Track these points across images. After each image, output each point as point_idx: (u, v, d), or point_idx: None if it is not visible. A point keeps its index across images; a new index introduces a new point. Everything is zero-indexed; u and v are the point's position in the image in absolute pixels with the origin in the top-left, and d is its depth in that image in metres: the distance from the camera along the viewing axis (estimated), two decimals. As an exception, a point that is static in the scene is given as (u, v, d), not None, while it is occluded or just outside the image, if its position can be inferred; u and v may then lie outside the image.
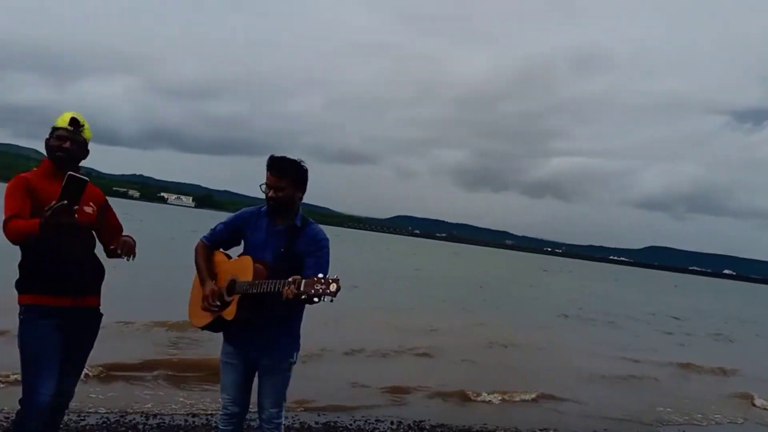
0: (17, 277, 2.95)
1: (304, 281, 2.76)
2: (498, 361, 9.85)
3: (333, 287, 2.72)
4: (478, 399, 7.12)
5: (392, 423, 5.89)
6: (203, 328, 3.24)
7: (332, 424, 5.63)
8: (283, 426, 3.27)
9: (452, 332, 12.04)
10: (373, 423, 5.83)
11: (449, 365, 9.20)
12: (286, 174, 3.05)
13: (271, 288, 2.89)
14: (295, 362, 3.25)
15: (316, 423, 5.58)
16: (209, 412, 5.31)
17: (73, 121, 2.99)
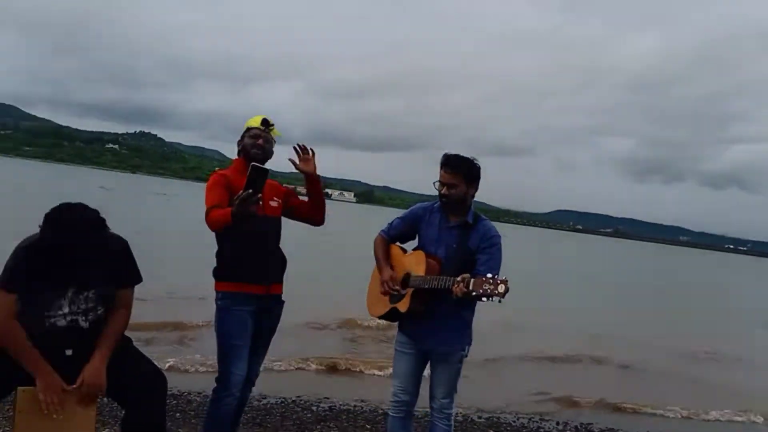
0: (214, 265, 3.21)
1: (473, 280, 2.78)
2: (690, 374, 8.88)
3: (501, 288, 2.73)
4: (657, 412, 6.49)
5: (558, 423, 5.67)
6: (380, 317, 3.39)
7: (495, 419, 5.55)
8: (453, 416, 3.31)
9: (634, 340, 11.01)
10: (537, 422, 5.66)
11: (633, 375, 8.50)
12: (459, 170, 3.09)
13: (441, 284, 2.95)
14: (466, 355, 3.27)
15: (479, 417, 5.53)
16: (378, 399, 5.42)
17: (265, 122, 3.26)
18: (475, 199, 3.21)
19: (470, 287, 2.76)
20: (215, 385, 3.21)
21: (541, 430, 5.47)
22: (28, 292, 2.58)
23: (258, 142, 3.21)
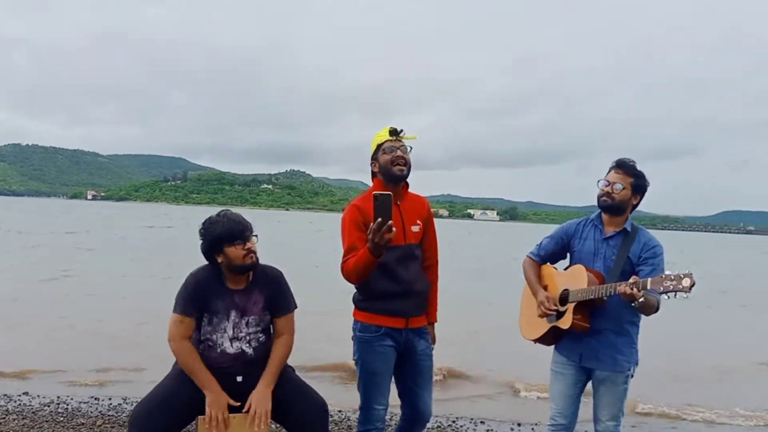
0: (354, 291, 3.10)
1: (650, 279, 2.61)
2: None
3: (686, 282, 2.53)
4: None
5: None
6: (536, 340, 3.23)
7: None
8: None
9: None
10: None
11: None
12: (631, 174, 2.98)
13: (608, 292, 2.78)
14: (632, 375, 3.05)
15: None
16: (534, 422, 5.27)
17: (393, 131, 2.97)
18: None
19: (648, 286, 2.59)
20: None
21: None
22: (198, 318, 2.87)
23: (397, 154, 2.92)
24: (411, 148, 2.98)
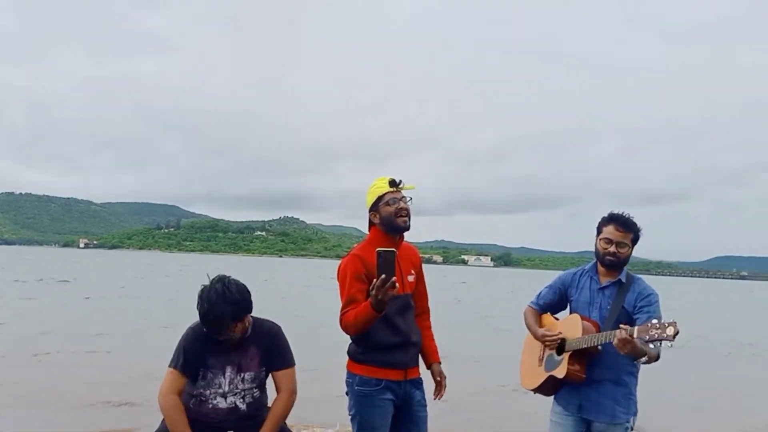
0: (350, 342, 3.00)
1: (636, 327, 2.66)
2: None
3: (670, 331, 2.57)
4: None
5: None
6: (535, 390, 3.22)
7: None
8: None
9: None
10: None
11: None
12: (631, 230, 3.02)
13: (600, 340, 2.82)
14: (632, 427, 3.02)
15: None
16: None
17: (393, 182, 2.94)
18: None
19: (635, 335, 2.64)
20: None
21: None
22: (193, 373, 2.82)
23: (400, 206, 2.90)
24: (411, 198, 2.97)
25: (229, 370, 2.84)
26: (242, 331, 2.82)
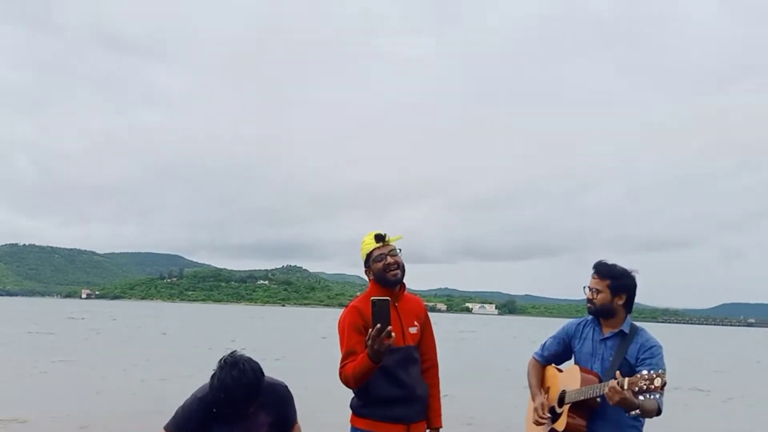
0: (352, 396, 2.96)
1: (627, 379, 2.61)
2: None
3: (657, 382, 2.53)
4: None
5: None
6: None
7: None
8: None
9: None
10: None
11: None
12: (606, 277, 2.99)
13: (596, 392, 2.79)
14: None
15: None
16: None
17: (378, 237, 2.91)
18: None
19: (625, 387, 2.60)
20: None
21: None
22: None
23: (387, 262, 2.87)
24: (401, 249, 2.93)
25: None
26: (254, 406, 2.75)
